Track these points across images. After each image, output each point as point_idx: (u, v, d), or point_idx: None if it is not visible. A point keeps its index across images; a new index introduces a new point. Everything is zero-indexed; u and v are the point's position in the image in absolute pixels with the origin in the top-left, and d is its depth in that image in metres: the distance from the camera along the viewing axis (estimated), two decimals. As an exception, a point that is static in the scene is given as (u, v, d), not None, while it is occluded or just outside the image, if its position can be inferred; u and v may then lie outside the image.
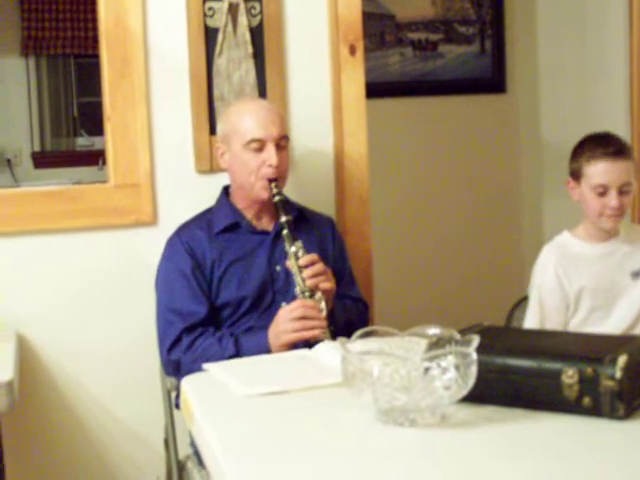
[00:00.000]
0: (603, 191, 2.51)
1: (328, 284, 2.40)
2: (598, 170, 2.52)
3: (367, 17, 3.00)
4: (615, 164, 2.51)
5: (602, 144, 2.54)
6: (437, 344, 1.70)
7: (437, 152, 4.39)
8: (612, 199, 2.50)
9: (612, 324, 2.55)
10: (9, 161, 6.17)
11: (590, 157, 2.53)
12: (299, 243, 2.42)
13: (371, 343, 1.74)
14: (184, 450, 2.53)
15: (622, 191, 2.51)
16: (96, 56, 2.82)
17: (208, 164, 2.77)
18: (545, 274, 2.59)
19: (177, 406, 2.49)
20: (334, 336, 2.25)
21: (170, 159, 2.76)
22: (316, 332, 2.30)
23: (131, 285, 2.72)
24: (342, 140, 2.88)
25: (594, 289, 2.55)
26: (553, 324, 2.55)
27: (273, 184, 2.48)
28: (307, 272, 2.38)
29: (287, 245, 2.43)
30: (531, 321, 2.59)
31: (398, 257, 4.25)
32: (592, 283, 2.55)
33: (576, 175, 2.57)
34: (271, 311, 2.44)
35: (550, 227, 2.68)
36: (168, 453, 2.57)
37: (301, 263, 2.39)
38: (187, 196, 2.75)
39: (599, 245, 2.59)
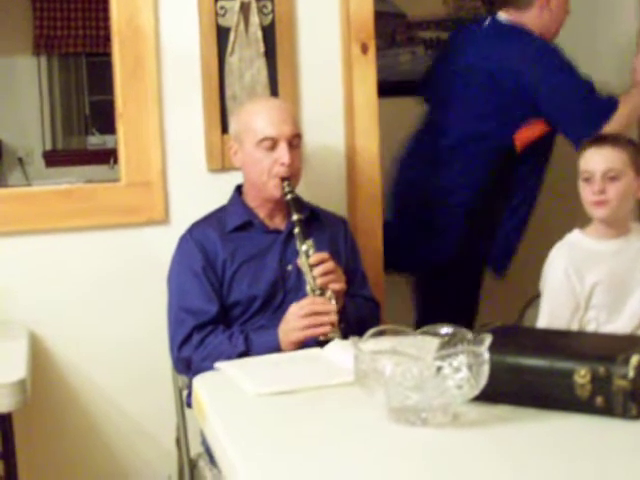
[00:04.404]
0: (588, 177, 2.50)
1: (338, 285, 2.39)
2: (584, 159, 2.53)
3: (378, 16, 2.99)
4: (599, 149, 2.50)
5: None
6: (449, 343, 1.70)
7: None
8: (594, 184, 2.49)
9: (624, 321, 2.54)
10: (21, 160, 6.20)
11: (581, 151, 2.55)
12: (310, 242, 2.42)
13: (383, 342, 1.74)
14: (195, 448, 2.53)
15: (607, 177, 2.49)
16: (107, 54, 2.83)
17: (220, 163, 2.77)
18: (555, 273, 2.58)
19: (189, 404, 2.50)
20: (346, 334, 2.24)
21: (182, 157, 2.77)
22: (326, 329, 2.29)
23: (143, 284, 2.72)
24: (354, 139, 2.88)
25: (605, 286, 2.54)
26: (564, 323, 2.54)
27: (285, 183, 2.48)
28: (317, 270, 2.37)
29: (298, 243, 2.43)
30: (542, 320, 2.59)
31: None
32: (603, 280, 2.54)
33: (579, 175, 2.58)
34: (282, 310, 2.43)
35: (559, 226, 2.68)
36: (180, 451, 2.58)
37: (311, 261, 2.39)
38: (199, 195, 2.75)
39: (610, 242, 2.58)
